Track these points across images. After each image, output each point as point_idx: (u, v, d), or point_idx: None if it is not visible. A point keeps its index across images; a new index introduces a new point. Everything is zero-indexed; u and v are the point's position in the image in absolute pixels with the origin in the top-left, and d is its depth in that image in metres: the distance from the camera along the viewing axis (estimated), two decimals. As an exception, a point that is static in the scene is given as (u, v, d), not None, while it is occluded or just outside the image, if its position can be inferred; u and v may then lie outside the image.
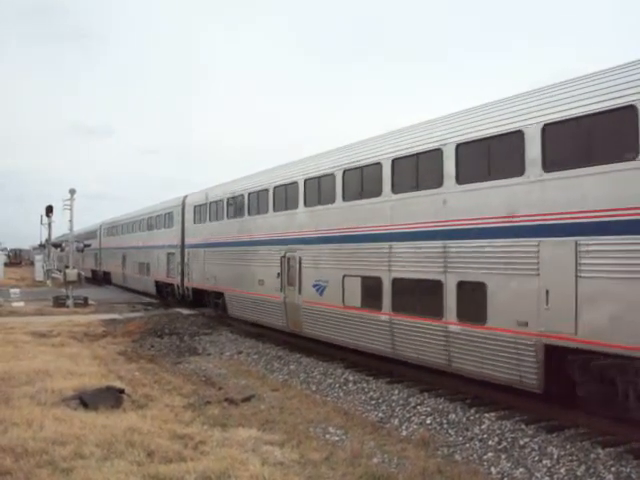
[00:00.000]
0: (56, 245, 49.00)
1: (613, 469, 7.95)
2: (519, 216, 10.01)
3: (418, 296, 12.29)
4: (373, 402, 11.90)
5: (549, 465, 8.29)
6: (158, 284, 32.70)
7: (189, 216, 26.60)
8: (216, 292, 23.48)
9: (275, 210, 18.23)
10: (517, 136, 10.05)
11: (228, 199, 21.91)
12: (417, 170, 12.41)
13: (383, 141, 13.76)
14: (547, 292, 9.40)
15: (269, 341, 18.83)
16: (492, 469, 8.37)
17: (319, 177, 15.86)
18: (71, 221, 32.59)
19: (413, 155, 12.46)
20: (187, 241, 26.80)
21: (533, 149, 9.76)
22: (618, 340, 8.40)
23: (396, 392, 12.20)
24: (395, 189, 12.95)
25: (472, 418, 10.36)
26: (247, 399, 11.84)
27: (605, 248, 8.65)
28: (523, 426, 9.73)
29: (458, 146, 11.25)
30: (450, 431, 10.02)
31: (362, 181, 14.18)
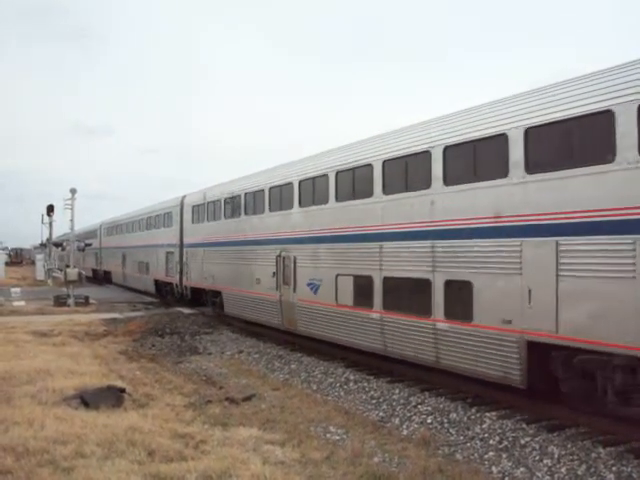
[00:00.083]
0: (57, 244, 49.00)
1: (614, 468, 7.96)
2: (503, 217, 10.31)
3: (408, 294, 12.64)
4: (374, 401, 11.90)
5: (550, 464, 8.29)
6: (157, 283, 32.91)
7: (187, 216, 26.88)
8: (214, 291, 23.68)
9: (271, 210, 18.56)
10: (501, 139, 10.34)
11: (225, 199, 22.20)
12: (407, 172, 12.73)
13: (374, 143, 14.03)
14: (529, 291, 9.71)
15: (270, 340, 18.85)
16: (493, 468, 8.37)
17: (313, 178, 16.18)
18: (72, 220, 32.61)
19: (403, 157, 12.78)
20: (186, 240, 27.05)
21: (516, 152, 10.05)
22: (596, 337, 8.72)
23: (397, 391, 12.21)
24: (386, 190, 13.24)
25: (473, 417, 10.38)
26: (248, 398, 11.85)
27: (584, 248, 8.96)
28: (524, 425, 9.74)
29: (445, 148, 11.56)
30: (451, 430, 10.02)
31: (354, 182, 14.48)
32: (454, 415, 10.58)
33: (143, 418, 9.73)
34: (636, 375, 8.65)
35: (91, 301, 30.79)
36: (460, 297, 11.11)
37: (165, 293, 31.53)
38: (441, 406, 11.09)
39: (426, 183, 11.96)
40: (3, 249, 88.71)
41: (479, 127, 10.92)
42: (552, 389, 10.13)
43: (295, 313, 16.95)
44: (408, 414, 10.96)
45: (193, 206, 26.11)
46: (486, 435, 9.57)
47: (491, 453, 8.90)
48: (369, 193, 13.71)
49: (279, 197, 18.01)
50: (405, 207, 12.62)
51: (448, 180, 11.50)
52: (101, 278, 50.76)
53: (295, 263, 16.86)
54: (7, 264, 69.28)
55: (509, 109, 10.44)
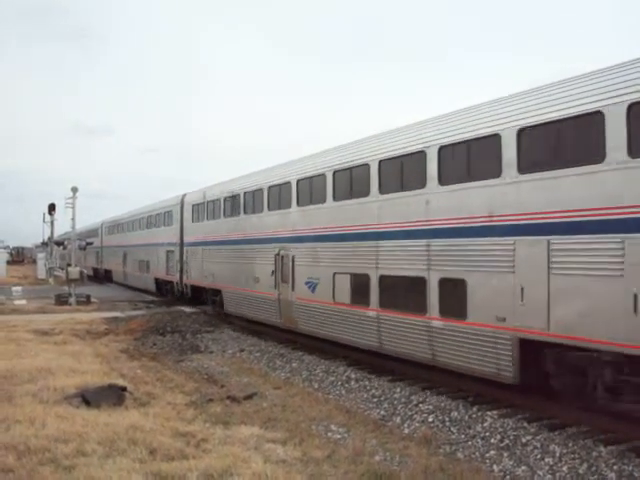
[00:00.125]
0: (58, 243, 49.04)
1: (615, 467, 7.94)
2: (496, 216, 10.44)
3: (403, 293, 12.80)
4: (375, 400, 11.89)
5: (551, 463, 8.28)
6: (158, 281, 33.05)
7: (187, 215, 27.02)
8: (214, 289, 23.79)
9: (269, 209, 18.70)
10: (494, 139, 10.47)
11: (225, 198, 22.35)
12: (402, 171, 12.89)
13: (371, 143, 14.17)
14: (522, 289, 9.83)
15: (271, 339, 18.84)
16: (494, 467, 8.36)
17: (311, 177, 16.32)
18: (73, 219, 32.68)
19: (399, 157, 12.91)
20: (186, 239, 27.19)
21: (509, 152, 10.17)
22: (586, 334, 8.87)
23: (398, 390, 12.21)
24: (382, 189, 13.37)
25: (474, 416, 10.36)
26: (249, 397, 11.83)
27: (574, 247, 9.09)
28: (525, 424, 9.72)
29: (440, 148, 11.69)
30: (452, 429, 10.01)
31: (351, 181, 14.63)
32: (455, 414, 10.58)
33: (144, 417, 9.74)
34: (624, 372, 8.78)
35: (92, 300, 30.79)
36: (454, 295, 11.24)
37: (165, 292, 31.64)
38: (442, 405, 11.09)
39: (421, 183, 12.09)
40: (4, 248, 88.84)
41: (473, 127, 11.04)
42: (544, 386, 10.25)
43: (293, 311, 17.06)
44: (409, 413, 10.95)
45: (193, 205, 26.23)
46: (487, 434, 9.57)
47: (492, 452, 8.90)
48: (366, 192, 13.85)
49: (278, 196, 18.15)
50: (401, 206, 12.75)
51: (443, 180, 11.63)
52: (102, 277, 50.85)
53: (293, 262, 16.98)
54: (8, 263, 69.19)
55: (502, 110, 10.56)
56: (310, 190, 16.36)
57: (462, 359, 11.18)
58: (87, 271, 44.24)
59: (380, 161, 13.40)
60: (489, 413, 10.39)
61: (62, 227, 52.94)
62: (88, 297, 30.56)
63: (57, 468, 7.14)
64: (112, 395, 10.66)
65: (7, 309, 26.94)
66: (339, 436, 9.50)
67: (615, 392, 9.05)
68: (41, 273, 52.81)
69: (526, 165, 9.93)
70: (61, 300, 29.57)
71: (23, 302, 30.47)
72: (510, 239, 10.11)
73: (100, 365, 14.29)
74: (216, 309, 23.92)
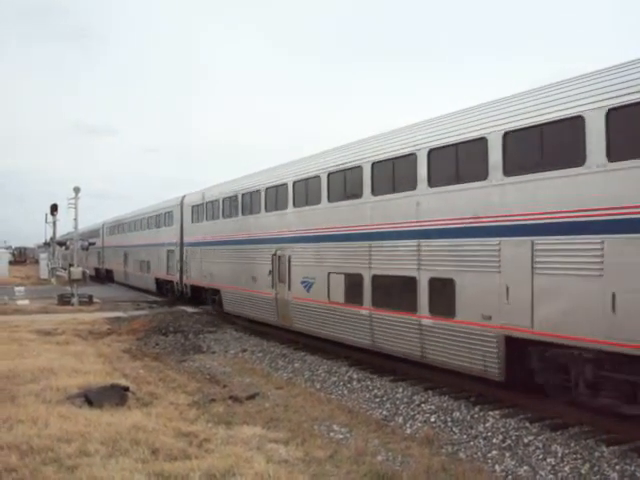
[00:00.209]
0: (61, 243, 49.10)
1: (617, 467, 7.94)
2: (483, 217, 10.73)
3: (395, 292, 13.10)
4: (377, 400, 11.90)
5: (553, 463, 8.28)
6: (158, 281, 33.36)
7: (187, 216, 27.37)
8: (213, 289, 24.07)
9: (267, 210, 19.03)
10: (481, 143, 10.74)
11: (223, 199, 22.71)
12: (394, 174, 13.16)
13: (364, 146, 14.48)
14: (507, 288, 10.11)
15: (273, 339, 18.87)
16: (496, 467, 8.37)
17: (307, 179, 16.65)
18: (76, 219, 32.75)
19: (390, 159, 13.20)
20: (185, 239, 27.55)
21: (495, 155, 10.45)
22: (567, 332, 9.16)
23: (400, 390, 12.21)
24: (375, 191, 13.67)
25: (476, 416, 10.36)
26: (251, 397, 11.84)
27: (557, 247, 9.37)
28: (527, 424, 9.72)
29: (430, 151, 11.97)
30: (454, 429, 10.02)
31: (345, 183, 14.95)
32: (457, 414, 10.58)
33: (147, 417, 9.73)
34: (604, 368, 9.04)
35: (95, 300, 30.86)
36: (444, 294, 11.50)
37: (166, 291, 31.91)
38: (444, 405, 11.09)
39: (412, 185, 12.37)
40: (7, 248, 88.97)
41: (461, 131, 11.31)
42: (529, 382, 10.53)
43: (290, 310, 17.35)
44: (411, 413, 10.96)
45: (192, 206, 26.58)
46: (489, 434, 9.57)
47: (494, 452, 8.90)
48: (359, 194, 14.16)
49: (275, 197, 18.48)
50: (393, 208, 13.06)
51: (433, 182, 11.91)
52: (103, 277, 51.09)
53: (290, 262, 17.28)
54: (11, 263, 69.34)
55: (489, 114, 10.84)
56: (306, 191, 16.66)
57: (451, 356, 11.46)
58: (89, 271, 44.36)
59: (373, 163, 13.71)
60: (491, 413, 10.40)
61: (64, 227, 53.10)
62: (90, 297, 30.61)
63: (60, 468, 7.14)
64: (115, 395, 10.67)
65: (10, 309, 27.00)
66: (341, 436, 9.51)
67: (596, 388, 9.32)
68: (43, 273, 52.90)
69: (511, 168, 10.20)
70: (63, 300, 29.63)
71: (26, 302, 30.53)
72: (496, 240, 10.39)
73: (102, 365, 14.30)
74: (215, 308, 24.19)
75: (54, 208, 38.91)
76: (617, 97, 8.56)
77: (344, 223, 14.74)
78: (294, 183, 17.23)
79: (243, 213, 20.87)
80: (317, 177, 15.96)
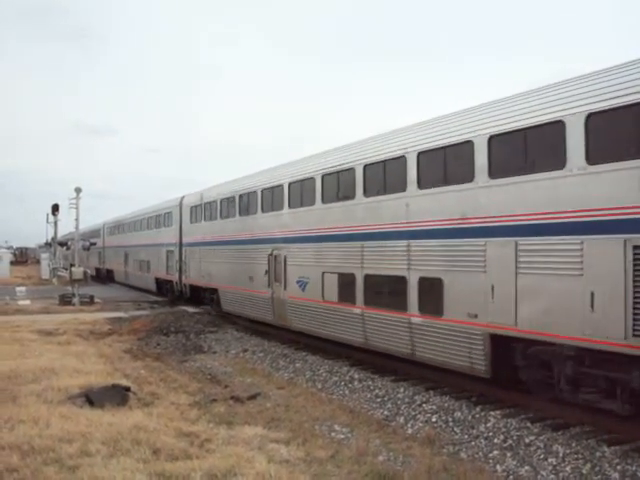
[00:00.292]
0: (62, 244, 49.08)
1: (619, 467, 7.95)
2: (470, 218, 11.03)
3: (386, 291, 13.46)
4: (379, 400, 11.90)
5: (554, 463, 8.29)
6: (158, 281, 33.67)
7: (186, 216, 27.71)
8: (211, 288, 24.38)
9: (263, 211, 19.40)
10: (468, 146, 11.03)
11: (221, 200, 23.02)
12: (385, 176, 13.51)
13: (356, 148, 14.83)
14: (492, 287, 10.42)
15: (275, 339, 18.88)
16: (498, 467, 8.37)
17: (301, 181, 17.00)
18: (77, 220, 32.77)
19: (381, 162, 13.54)
20: (184, 240, 27.88)
21: (481, 158, 10.75)
22: (549, 329, 9.46)
23: (401, 390, 12.22)
24: (366, 193, 14.02)
25: (477, 416, 10.36)
26: (253, 397, 11.85)
27: (539, 247, 9.67)
28: (529, 424, 9.72)
29: (419, 154, 12.27)
30: (456, 429, 10.02)
31: (338, 185, 15.30)
32: (459, 414, 10.58)
33: (148, 417, 9.73)
34: (584, 365, 9.30)
35: (96, 300, 30.88)
36: (432, 293, 11.79)
37: (165, 291, 32.20)
38: (446, 405, 11.09)
39: (402, 186, 12.69)
40: (8, 248, 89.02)
41: (448, 134, 11.60)
42: (514, 378, 10.81)
43: (286, 309, 17.68)
44: (413, 413, 10.96)
45: (191, 207, 26.91)
46: (491, 434, 9.57)
47: (496, 452, 8.90)
48: (351, 195, 14.51)
49: (271, 198, 18.81)
50: (384, 209, 13.37)
51: (422, 184, 12.22)
52: (104, 277, 51.26)
53: (285, 262, 17.59)
54: (12, 263, 69.32)
55: (475, 118, 11.11)
56: (301, 193, 16.97)
57: (439, 354, 11.77)
58: (90, 271, 44.45)
59: (364, 166, 14.04)
60: (492, 413, 10.40)
61: (65, 227, 53.08)
62: (91, 297, 30.64)
63: (61, 468, 7.15)
64: (116, 395, 10.68)
65: (11, 309, 27.00)
66: (342, 436, 9.51)
67: (577, 384, 9.58)
68: (45, 273, 52.92)
69: (496, 170, 10.49)
70: (65, 300, 29.64)
71: (27, 302, 30.55)
72: (482, 240, 10.68)
73: (104, 365, 14.30)
74: (214, 307, 24.44)
75: (55, 208, 38.97)
76: (596, 102, 8.85)
77: (337, 224, 15.06)
78: (289, 184, 17.53)
79: (240, 214, 21.18)
80: (312, 179, 16.28)
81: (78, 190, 32.05)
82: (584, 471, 7.97)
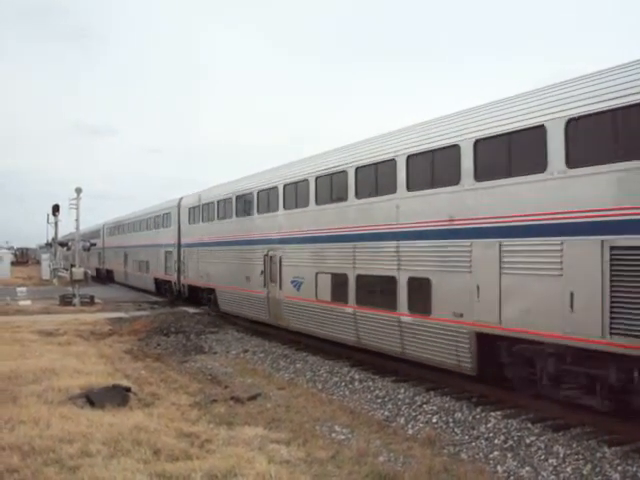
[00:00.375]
0: (63, 244, 49.07)
1: (619, 468, 7.95)
2: (456, 220, 11.32)
3: (377, 291, 13.78)
4: (379, 401, 11.91)
5: (555, 464, 8.29)
6: (157, 281, 33.94)
7: (184, 217, 27.99)
8: (209, 288, 24.66)
9: (259, 212, 19.74)
10: (455, 149, 11.31)
11: (218, 201, 23.32)
12: (376, 178, 13.84)
13: (348, 151, 15.17)
14: (478, 287, 10.72)
15: (275, 339, 18.91)
16: (498, 468, 8.37)
17: (296, 183, 17.28)
18: (77, 220, 32.80)
19: (372, 164, 13.86)
20: (183, 240, 28.19)
21: (467, 161, 11.04)
22: (531, 328, 9.74)
23: (402, 391, 12.22)
24: (358, 195, 14.34)
25: (478, 417, 10.36)
26: (253, 397, 11.86)
27: (521, 248, 9.98)
28: (529, 425, 9.72)
29: (409, 157, 12.58)
30: (456, 430, 10.02)
31: (332, 187, 15.60)
32: (459, 414, 10.58)
33: (148, 417, 9.75)
34: (565, 362, 9.55)
35: (96, 300, 30.94)
36: (421, 293, 12.11)
37: (164, 291, 32.48)
38: (446, 405, 11.09)
39: (392, 189, 13.00)
40: (9, 249, 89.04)
41: (436, 138, 11.89)
42: (500, 376, 11.09)
43: (281, 309, 18.01)
44: (413, 413, 10.96)
45: (189, 208, 27.20)
46: (491, 434, 9.57)
47: (496, 452, 8.90)
48: (344, 197, 14.84)
49: (266, 200, 19.11)
50: (375, 210, 13.70)
51: (410, 186, 12.53)
52: (104, 277, 51.45)
53: (280, 262, 17.90)
54: (13, 264, 69.33)
55: (461, 122, 11.39)
56: (295, 194, 17.26)
57: (428, 352, 12.10)
58: (90, 272, 44.47)
59: (356, 168, 14.34)
60: (493, 414, 10.39)
61: (66, 228, 53.03)
62: (92, 298, 30.70)
63: (62, 468, 7.17)
64: (116, 396, 10.69)
65: (12, 310, 27.05)
66: (343, 437, 9.52)
67: (558, 381, 9.83)
68: (45, 274, 52.97)
69: (481, 173, 10.78)
70: (65, 301, 29.69)
71: (28, 303, 30.57)
72: (467, 241, 10.97)
73: (104, 366, 14.32)
74: (212, 307, 24.66)
75: (56, 209, 38.96)
76: (575, 108, 9.10)
77: (330, 225, 15.36)
78: (284, 186, 17.83)
79: (237, 215, 21.47)
80: (305, 181, 16.58)
81: (78, 190, 32.11)
82: (585, 472, 7.98)
